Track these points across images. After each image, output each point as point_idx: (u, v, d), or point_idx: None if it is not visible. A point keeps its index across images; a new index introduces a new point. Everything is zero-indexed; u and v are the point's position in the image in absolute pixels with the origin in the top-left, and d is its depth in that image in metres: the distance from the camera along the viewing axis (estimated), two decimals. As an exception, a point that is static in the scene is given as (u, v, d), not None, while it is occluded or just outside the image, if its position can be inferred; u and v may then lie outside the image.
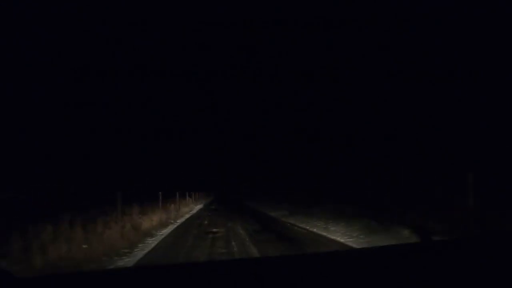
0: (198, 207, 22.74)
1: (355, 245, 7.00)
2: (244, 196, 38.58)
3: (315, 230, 9.73)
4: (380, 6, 21.33)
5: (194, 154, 67.33)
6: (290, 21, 29.92)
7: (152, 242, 8.27)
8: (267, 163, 46.94)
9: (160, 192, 13.85)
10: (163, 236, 9.26)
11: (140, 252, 7.04)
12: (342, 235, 8.45)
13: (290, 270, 1.35)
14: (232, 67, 47.65)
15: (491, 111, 12.43)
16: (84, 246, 6.19)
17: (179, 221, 13.33)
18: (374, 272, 1.27)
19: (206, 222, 12.77)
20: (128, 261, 6.17)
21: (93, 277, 1.36)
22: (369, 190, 14.12)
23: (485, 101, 12.82)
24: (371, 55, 23.09)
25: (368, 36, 22.61)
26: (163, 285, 1.22)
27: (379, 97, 19.57)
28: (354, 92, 22.80)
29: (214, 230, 9.96)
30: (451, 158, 11.91)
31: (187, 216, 16.13)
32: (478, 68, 13.53)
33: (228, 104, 69.30)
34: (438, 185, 10.02)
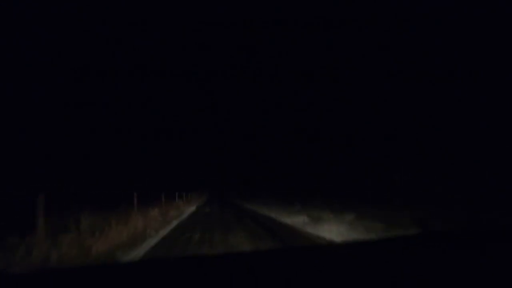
0: (191, 210, 20.62)
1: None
2: (243, 196, 38.49)
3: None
4: (380, 6, 21.37)
5: (194, 154, 67.37)
6: (290, 21, 30.01)
7: None
8: (267, 163, 47.04)
9: (134, 193, 10.78)
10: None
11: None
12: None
13: (287, 264, 1.36)
14: (232, 67, 47.77)
15: (491, 111, 12.43)
16: None
17: (162, 232, 9.00)
18: (368, 265, 1.27)
19: (197, 236, 7.97)
20: None
21: (93, 272, 1.36)
22: (369, 190, 14.11)
23: (485, 101, 12.82)
24: (371, 55, 23.11)
25: (368, 36, 22.66)
26: (166, 278, 1.22)
27: (379, 97, 19.60)
28: (354, 92, 22.84)
29: (209, 254, 5.51)
30: (451, 158, 11.91)
31: (175, 223, 11.61)
32: (478, 68, 13.54)
33: (228, 104, 69.47)
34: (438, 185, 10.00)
